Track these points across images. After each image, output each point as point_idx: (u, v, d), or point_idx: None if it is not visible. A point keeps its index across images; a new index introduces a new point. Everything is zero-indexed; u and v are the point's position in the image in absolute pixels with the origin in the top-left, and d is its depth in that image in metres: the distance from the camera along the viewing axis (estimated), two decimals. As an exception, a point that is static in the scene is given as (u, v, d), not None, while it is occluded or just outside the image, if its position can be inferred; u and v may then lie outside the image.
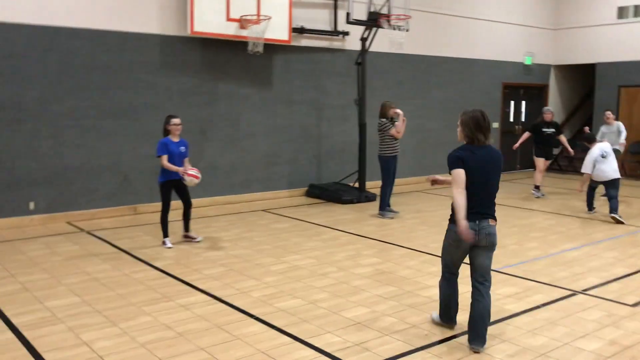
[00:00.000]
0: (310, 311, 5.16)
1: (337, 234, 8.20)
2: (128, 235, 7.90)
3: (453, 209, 4.39)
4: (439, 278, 6.00)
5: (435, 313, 4.96)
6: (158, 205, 9.54)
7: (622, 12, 14.43)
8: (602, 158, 9.18)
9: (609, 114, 11.67)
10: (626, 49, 14.37)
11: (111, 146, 9.08)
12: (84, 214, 8.87)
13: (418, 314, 5.13)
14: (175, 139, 7.26)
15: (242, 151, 10.49)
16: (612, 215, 9.04)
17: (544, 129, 11.31)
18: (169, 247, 7.23)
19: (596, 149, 9.29)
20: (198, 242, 7.52)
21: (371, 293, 5.67)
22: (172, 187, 7.30)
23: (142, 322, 4.88)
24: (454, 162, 4.35)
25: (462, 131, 4.48)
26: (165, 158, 7.10)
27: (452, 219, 4.42)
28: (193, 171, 7.14)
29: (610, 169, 9.17)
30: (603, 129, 11.70)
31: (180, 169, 7.11)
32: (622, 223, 8.95)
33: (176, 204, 7.59)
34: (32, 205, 8.45)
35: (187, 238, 7.57)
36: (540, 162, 11.44)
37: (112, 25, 8.93)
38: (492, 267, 4.62)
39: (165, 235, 7.37)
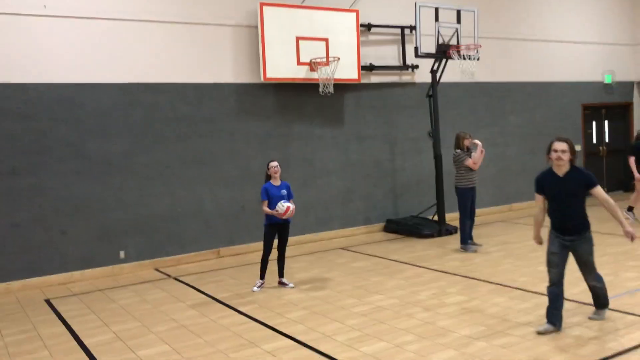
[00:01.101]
0: (397, 355, 5.04)
1: (419, 270, 8.04)
2: (212, 280, 8.07)
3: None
4: (529, 316, 5.75)
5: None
6: (239, 248, 9.69)
7: None
8: None
9: None
10: None
11: (193, 193, 9.38)
12: (171, 260, 9.15)
13: (510, 355, 4.89)
14: (276, 183, 7.33)
15: (317, 189, 10.56)
16: None
17: None
18: (254, 291, 7.32)
19: None
20: (291, 288, 7.45)
21: (459, 334, 5.47)
22: (275, 231, 7.38)
23: (230, 369, 4.92)
24: None
25: (570, 156, 5.12)
26: (265, 203, 7.23)
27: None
28: (286, 211, 7.09)
29: None
30: None
31: (274, 212, 7.12)
32: None
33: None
34: (122, 254, 8.81)
35: (281, 284, 7.55)
36: None
37: (191, 78, 9.35)
38: (584, 301, 5.68)
39: (262, 276, 7.43)
